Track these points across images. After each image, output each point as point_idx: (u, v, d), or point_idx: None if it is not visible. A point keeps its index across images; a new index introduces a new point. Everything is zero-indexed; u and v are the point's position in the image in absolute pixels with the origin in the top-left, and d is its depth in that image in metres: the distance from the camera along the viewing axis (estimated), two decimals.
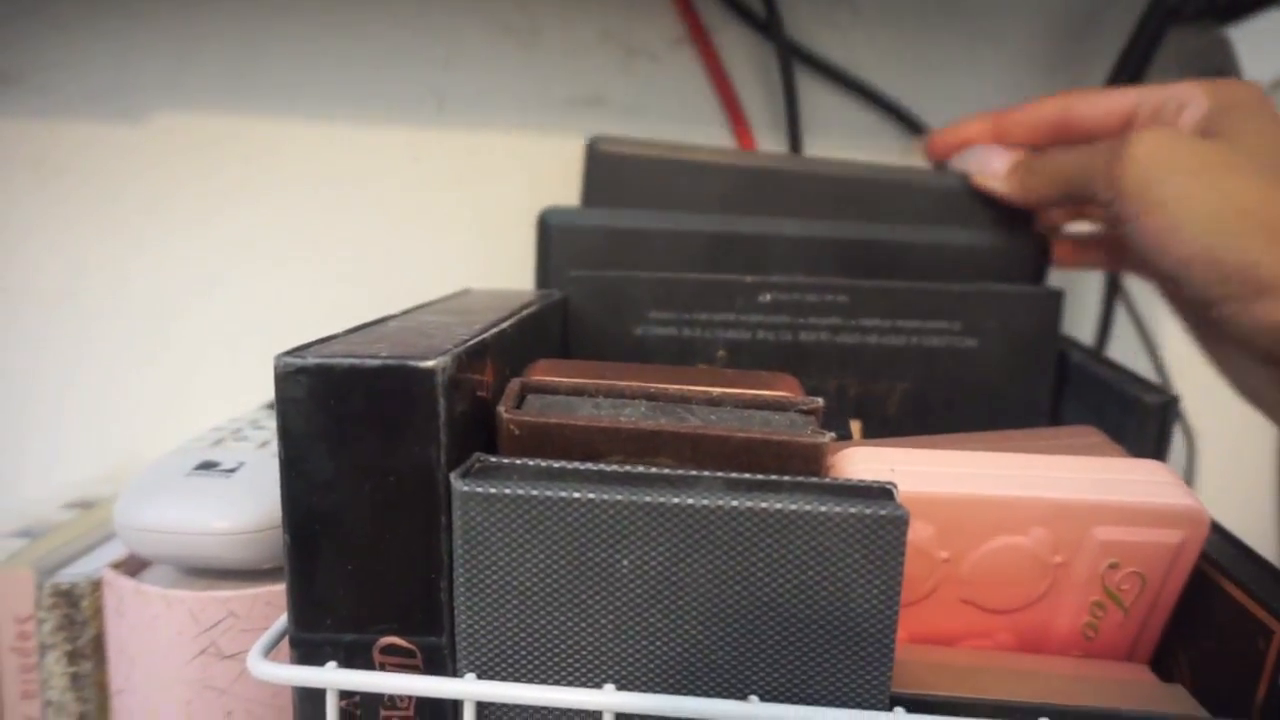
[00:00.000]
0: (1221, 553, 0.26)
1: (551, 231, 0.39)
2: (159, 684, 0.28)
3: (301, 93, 0.47)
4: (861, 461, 0.25)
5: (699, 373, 0.28)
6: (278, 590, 0.28)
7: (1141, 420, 0.31)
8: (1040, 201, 0.37)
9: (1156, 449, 0.31)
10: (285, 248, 0.48)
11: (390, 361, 0.20)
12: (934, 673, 0.24)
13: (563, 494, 0.20)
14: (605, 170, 0.41)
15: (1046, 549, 0.25)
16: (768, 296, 0.37)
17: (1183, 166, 0.29)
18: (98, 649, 0.30)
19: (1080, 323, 0.51)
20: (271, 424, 0.33)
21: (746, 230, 0.39)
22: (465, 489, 0.20)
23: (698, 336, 0.37)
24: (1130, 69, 0.43)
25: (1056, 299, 0.36)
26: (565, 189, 0.48)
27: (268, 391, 0.45)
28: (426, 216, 0.48)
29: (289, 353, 0.21)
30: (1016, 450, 0.26)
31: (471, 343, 0.23)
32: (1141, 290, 0.51)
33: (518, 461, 0.22)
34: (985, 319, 0.36)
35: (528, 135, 0.48)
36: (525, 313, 0.30)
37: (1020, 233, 0.39)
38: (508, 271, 0.48)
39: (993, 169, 0.38)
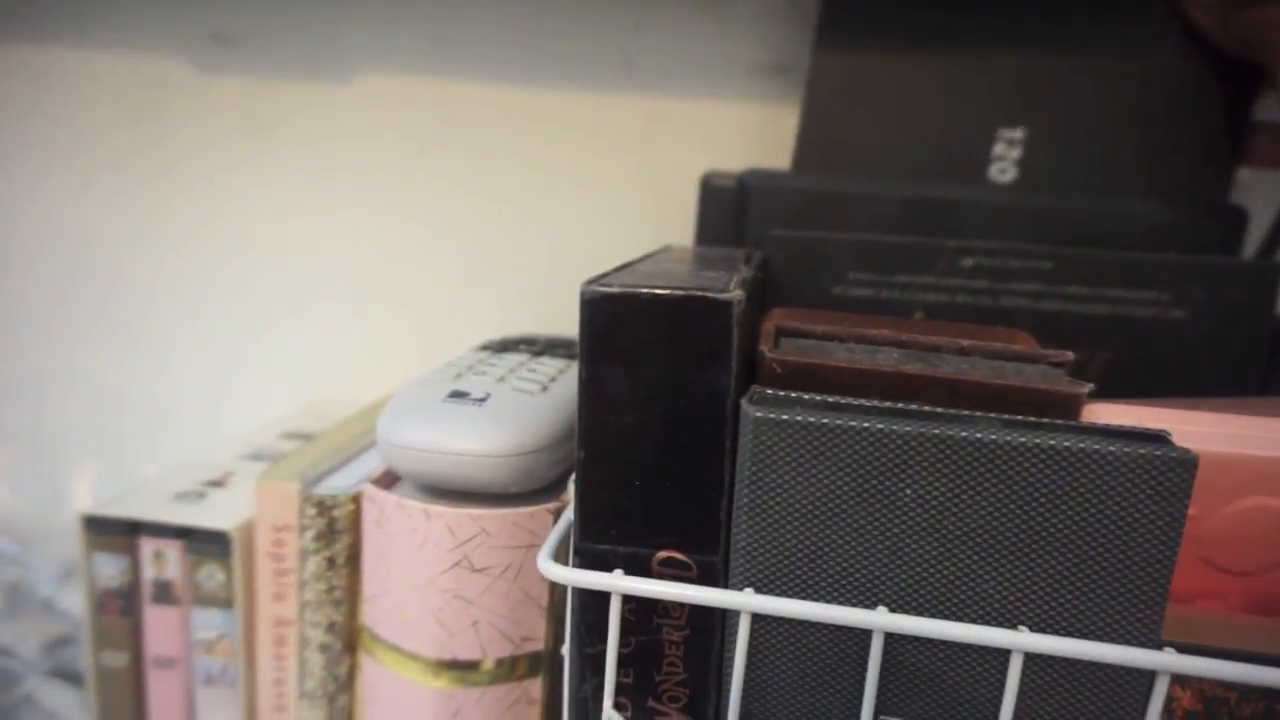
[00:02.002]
0: None
1: (751, 192, 0.40)
2: (414, 591, 0.30)
3: (497, 56, 0.49)
4: (1110, 417, 0.25)
5: (935, 325, 0.29)
6: (524, 512, 0.30)
7: None
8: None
9: None
10: (478, 204, 0.50)
11: (693, 292, 0.22)
12: (1178, 624, 0.25)
13: (853, 423, 0.21)
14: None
15: None
16: (970, 261, 0.37)
17: None
18: (351, 558, 0.32)
19: None
20: (499, 362, 0.35)
21: (944, 195, 0.40)
22: (759, 414, 0.22)
23: (896, 298, 0.38)
24: None
25: (1274, 272, 0.36)
26: (748, 153, 0.49)
27: (464, 340, 0.48)
28: (611, 178, 0.50)
29: (594, 281, 0.23)
30: (1254, 416, 0.26)
31: (745, 283, 0.24)
32: None
33: (793, 394, 0.23)
34: (1196, 291, 0.36)
35: (713, 101, 0.49)
36: (755, 261, 0.31)
37: (1217, 206, 0.39)
38: (687, 234, 0.49)
39: None
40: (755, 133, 0.49)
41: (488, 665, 0.31)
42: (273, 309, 0.52)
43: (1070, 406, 0.24)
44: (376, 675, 0.32)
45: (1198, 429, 0.25)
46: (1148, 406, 0.26)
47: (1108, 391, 0.38)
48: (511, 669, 0.31)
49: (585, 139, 0.50)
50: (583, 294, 0.23)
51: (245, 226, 0.51)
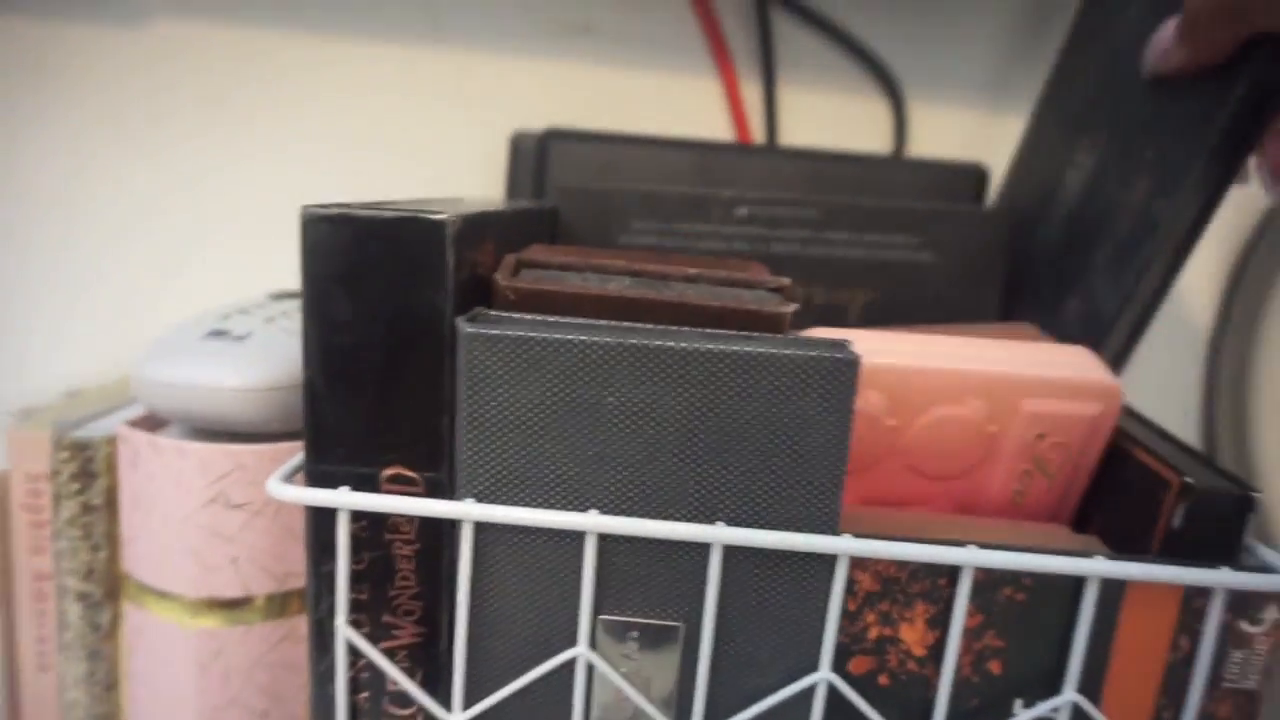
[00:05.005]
0: (1133, 427, 0.29)
1: (551, 149, 0.42)
2: (170, 530, 0.30)
3: (302, 6, 0.48)
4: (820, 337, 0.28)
5: (678, 257, 0.31)
6: (284, 448, 0.30)
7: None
8: (1219, 42, 0.31)
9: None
10: (279, 158, 0.49)
11: (405, 214, 0.23)
12: (879, 524, 0.28)
13: (557, 336, 0.23)
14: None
15: (982, 418, 0.28)
16: (744, 210, 0.39)
17: None
18: (110, 501, 0.32)
19: None
20: (274, 306, 0.35)
21: (726, 151, 0.42)
22: (470, 330, 0.23)
23: (678, 246, 0.40)
24: None
25: (1004, 217, 0.39)
26: (553, 111, 0.50)
27: (262, 292, 0.47)
28: (416, 133, 0.50)
29: (314, 205, 0.23)
30: (946, 336, 0.29)
31: (474, 212, 0.25)
32: None
33: (515, 315, 0.24)
34: (941, 235, 0.39)
35: (518, 58, 0.50)
36: (519, 206, 0.32)
37: (961, 164, 0.43)
38: (492, 189, 0.50)
39: (1160, 41, 0.34)
40: (561, 91, 0.50)
41: (258, 602, 0.31)
42: (64, 263, 0.50)
43: (776, 324, 0.26)
44: (138, 621, 0.32)
45: (893, 347, 0.28)
46: (856, 330, 0.29)
47: (867, 326, 0.41)
48: (283, 606, 0.32)
49: (392, 93, 0.49)
50: (302, 216, 0.23)
51: (30, 176, 0.49)
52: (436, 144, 0.50)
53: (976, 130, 0.52)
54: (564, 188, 0.40)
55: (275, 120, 0.49)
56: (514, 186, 0.47)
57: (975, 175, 0.43)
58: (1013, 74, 0.51)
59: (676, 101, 0.51)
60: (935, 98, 0.51)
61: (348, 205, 0.23)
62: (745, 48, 0.51)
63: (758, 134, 0.51)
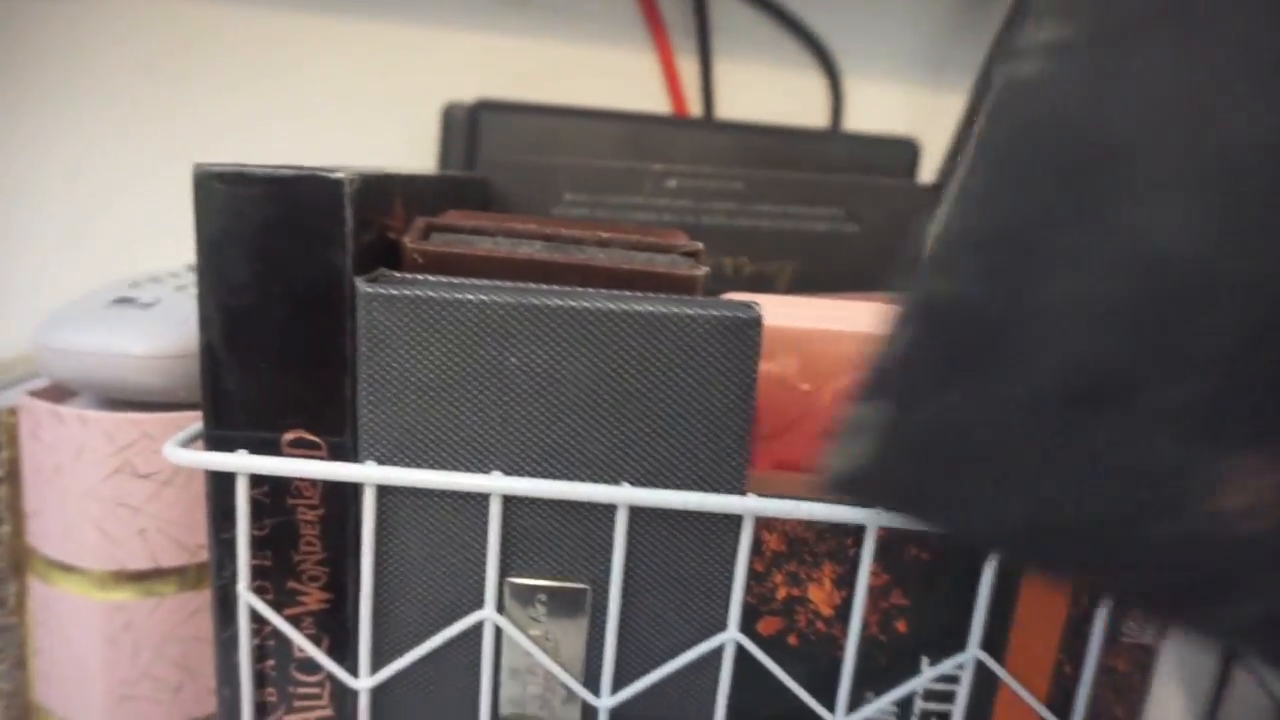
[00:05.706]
0: None
1: (481, 120, 0.41)
2: (74, 502, 0.29)
3: None
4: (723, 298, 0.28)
5: (596, 224, 0.31)
6: (192, 416, 0.29)
7: None
8: None
9: None
10: (203, 130, 0.48)
11: (303, 172, 0.22)
12: (787, 486, 0.28)
13: (458, 295, 0.22)
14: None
15: None
16: (673, 182, 0.39)
17: None
18: (12, 474, 0.31)
19: None
20: (188, 275, 0.34)
21: (660, 130, 0.42)
22: (369, 290, 0.22)
23: (609, 218, 0.40)
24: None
25: (929, 190, 0.40)
26: (486, 83, 0.49)
27: (181, 262, 0.46)
28: (346, 104, 0.49)
29: (207, 163, 0.23)
30: (866, 303, 0.29)
31: (379, 173, 0.25)
32: None
33: (418, 276, 0.24)
34: (866, 207, 0.40)
35: (450, 29, 0.49)
36: (439, 174, 0.32)
37: (892, 138, 0.43)
38: (426, 161, 0.49)
39: None
40: (494, 62, 0.49)
41: (170, 575, 0.31)
42: None
43: (689, 286, 0.26)
44: (44, 595, 0.31)
45: (808, 311, 0.28)
46: (770, 295, 0.29)
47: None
48: (197, 578, 0.31)
49: (322, 64, 0.48)
50: (194, 175, 0.22)
51: None
52: (367, 116, 0.49)
53: (912, 105, 0.52)
54: (493, 160, 0.39)
55: (201, 91, 0.48)
56: (446, 158, 0.46)
57: (908, 149, 0.43)
58: (949, 49, 0.52)
59: (612, 74, 0.50)
60: (871, 73, 0.52)
61: (243, 164, 0.23)
62: (681, 21, 0.50)
63: (695, 108, 0.51)
